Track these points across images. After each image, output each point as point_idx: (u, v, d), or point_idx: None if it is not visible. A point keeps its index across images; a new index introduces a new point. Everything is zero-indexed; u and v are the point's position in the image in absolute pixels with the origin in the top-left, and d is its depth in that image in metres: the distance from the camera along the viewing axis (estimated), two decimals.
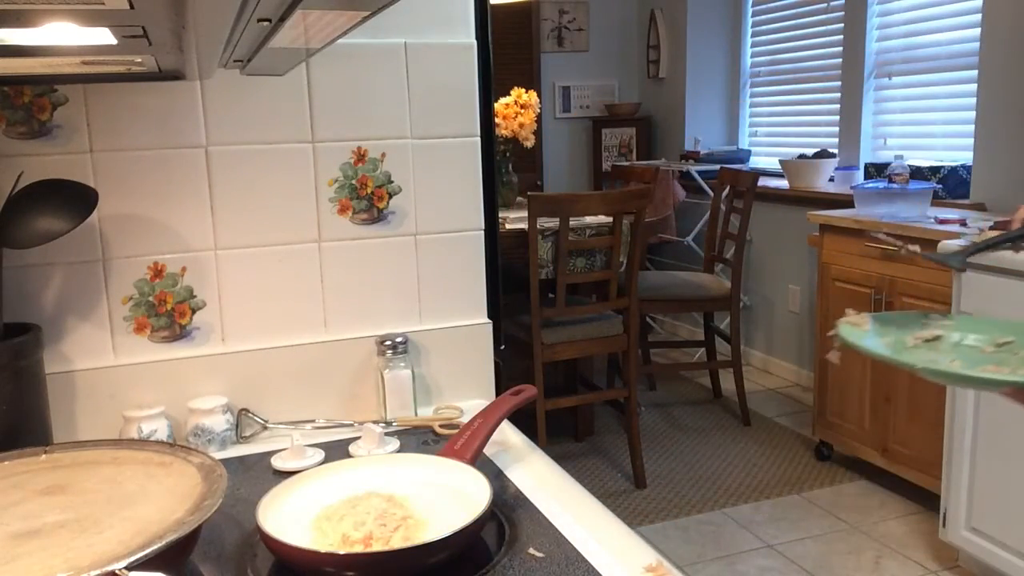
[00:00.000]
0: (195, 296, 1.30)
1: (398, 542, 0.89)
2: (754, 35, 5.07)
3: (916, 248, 1.02)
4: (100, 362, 1.26)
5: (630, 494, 3.26)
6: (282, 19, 0.60)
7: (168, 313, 1.29)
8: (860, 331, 0.92)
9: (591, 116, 5.72)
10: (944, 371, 0.87)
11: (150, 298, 1.28)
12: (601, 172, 5.61)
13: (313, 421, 1.33)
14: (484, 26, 1.42)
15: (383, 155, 1.37)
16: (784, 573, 2.69)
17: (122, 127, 1.23)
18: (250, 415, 1.31)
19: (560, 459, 1.21)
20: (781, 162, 4.21)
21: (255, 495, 0.98)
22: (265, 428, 1.31)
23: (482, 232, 1.45)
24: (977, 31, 3.31)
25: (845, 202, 3.46)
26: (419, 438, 1.28)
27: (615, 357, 3.88)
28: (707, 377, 4.38)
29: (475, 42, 1.40)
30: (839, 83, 4.24)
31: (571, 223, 3.03)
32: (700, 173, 4.69)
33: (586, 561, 0.91)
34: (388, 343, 1.34)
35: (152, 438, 1.21)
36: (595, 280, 3.25)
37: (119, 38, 0.66)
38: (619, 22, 5.72)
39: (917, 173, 3.46)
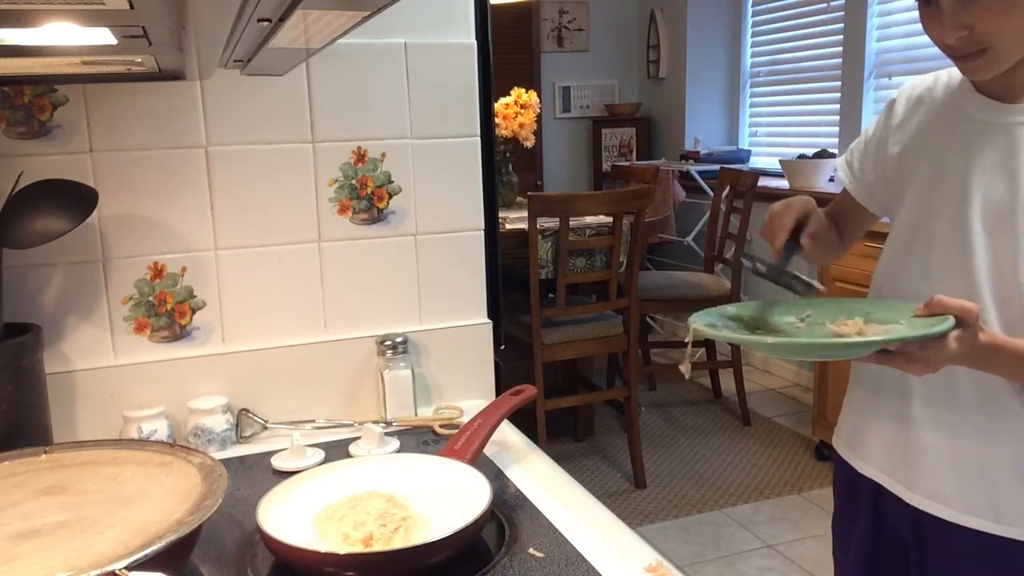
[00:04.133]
0: (195, 296, 1.30)
1: (398, 542, 0.89)
2: (754, 35, 5.07)
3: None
4: (100, 362, 1.26)
5: (630, 494, 3.26)
6: (282, 19, 0.60)
7: (168, 313, 1.29)
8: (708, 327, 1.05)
9: (591, 116, 5.72)
10: (804, 343, 1.05)
11: (150, 298, 1.28)
12: (601, 172, 5.61)
13: (313, 421, 1.33)
14: (484, 26, 1.42)
15: (383, 155, 1.37)
16: (784, 573, 2.69)
17: (122, 127, 1.23)
18: (250, 415, 1.31)
19: (560, 459, 1.21)
20: (781, 162, 4.21)
21: (255, 495, 0.98)
22: (265, 428, 1.31)
23: (482, 232, 1.45)
24: None
25: None
26: (419, 438, 1.28)
27: (615, 357, 3.87)
28: (707, 377, 4.38)
29: (475, 42, 1.40)
30: (839, 83, 4.24)
31: (571, 223, 3.03)
32: (700, 173, 4.69)
33: (586, 561, 0.91)
34: (388, 343, 1.34)
35: (152, 438, 1.21)
36: (595, 280, 3.25)
37: (119, 38, 0.66)
38: (619, 22, 5.72)
39: None
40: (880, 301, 1.10)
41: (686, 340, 1.05)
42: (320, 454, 1.21)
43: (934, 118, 1.13)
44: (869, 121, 4.07)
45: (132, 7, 0.52)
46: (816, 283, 1.09)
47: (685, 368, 1.09)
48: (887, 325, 1.00)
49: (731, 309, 1.12)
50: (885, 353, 0.93)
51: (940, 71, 1.16)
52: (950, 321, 0.91)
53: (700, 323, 1.04)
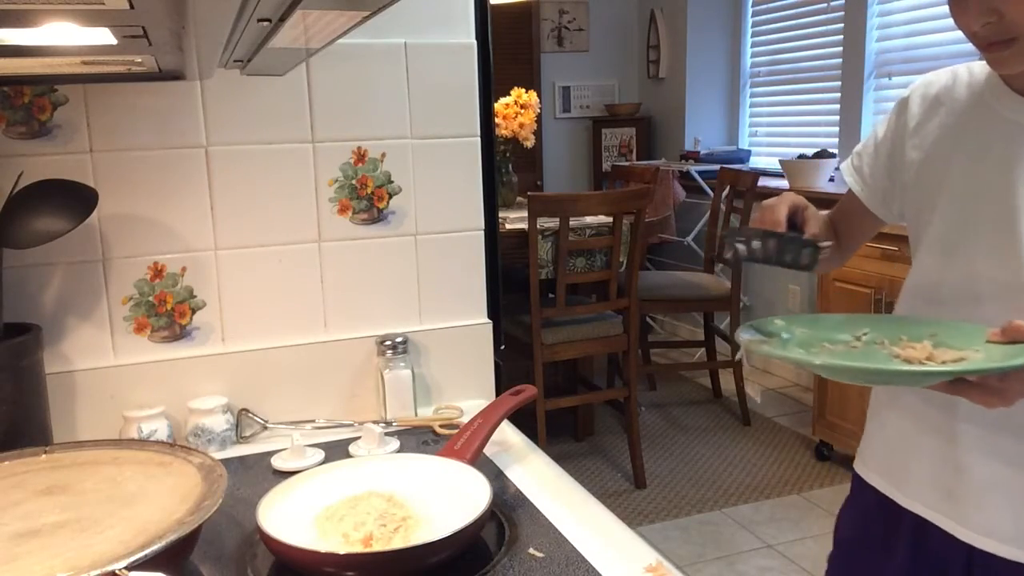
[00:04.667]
0: (195, 296, 1.30)
1: (398, 542, 0.89)
2: (754, 35, 5.07)
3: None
4: (100, 362, 1.26)
5: (630, 494, 3.26)
6: (282, 19, 0.60)
7: (168, 313, 1.29)
8: (761, 343, 0.97)
9: (591, 116, 5.72)
10: (881, 369, 0.93)
11: (150, 298, 1.28)
12: (601, 172, 5.61)
13: (313, 421, 1.33)
14: (484, 26, 1.42)
15: (383, 155, 1.37)
16: (784, 573, 2.69)
17: (122, 127, 1.23)
18: (250, 415, 1.31)
19: (560, 459, 1.21)
20: (781, 162, 4.21)
21: (255, 495, 0.98)
22: (265, 428, 1.31)
23: (482, 232, 1.45)
24: None
25: None
26: (419, 438, 1.28)
27: (615, 357, 3.87)
28: (707, 377, 4.38)
29: (475, 42, 1.40)
30: (839, 83, 4.24)
31: (571, 223, 3.03)
32: (700, 173, 4.69)
33: (586, 561, 0.91)
34: (388, 343, 1.34)
35: (152, 438, 1.21)
36: (595, 280, 3.25)
37: (119, 38, 0.66)
38: (619, 22, 5.72)
39: None
40: (945, 322, 1.00)
41: (738, 357, 0.98)
42: (320, 454, 1.21)
43: (959, 120, 1.05)
44: (874, 122, 4.08)
45: (132, 7, 0.52)
46: (823, 241, 1.00)
47: (754, 391, 1.02)
48: (959, 351, 0.91)
49: (779, 322, 1.03)
50: (959, 382, 0.85)
51: (956, 66, 1.08)
52: None
53: (756, 342, 0.96)
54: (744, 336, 0.98)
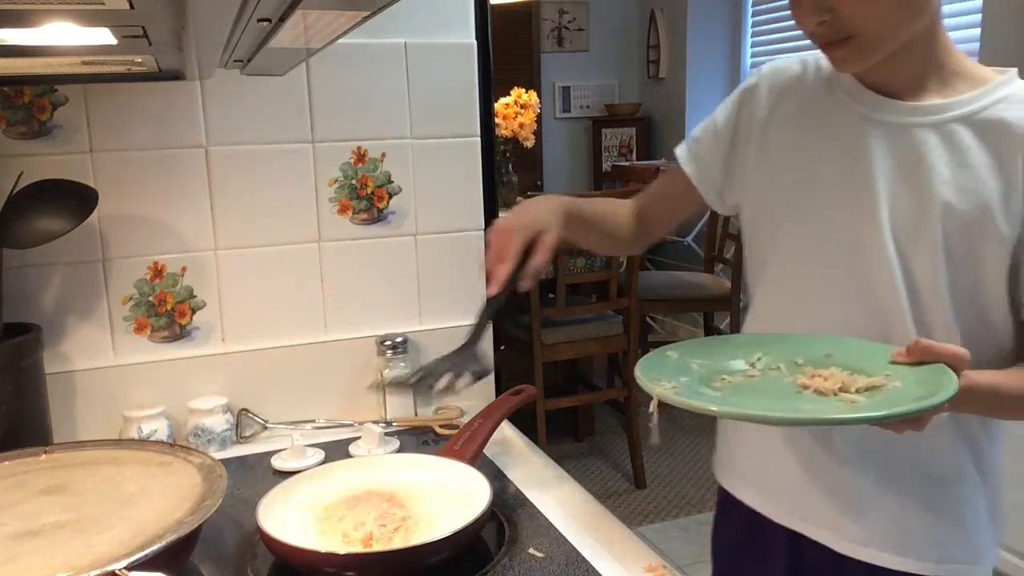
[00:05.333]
0: (195, 296, 1.30)
1: (398, 542, 0.89)
2: (754, 35, 5.07)
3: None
4: (100, 362, 1.26)
5: (630, 494, 3.26)
6: (282, 19, 0.60)
7: (168, 313, 1.29)
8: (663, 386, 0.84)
9: (591, 116, 5.72)
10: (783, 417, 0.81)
11: (150, 298, 1.28)
12: (601, 172, 5.61)
13: (313, 421, 1.33)
14: (484, 26, 1.42)
15: (383, 155, 1.37)
16: None
17: (122, 127, 1.23)
18: (250, 415, 1.31)
19: (560, 459, 1.21)
20: None
21: (255, 495, 0.98)
22: (265, 428, 1.31)
23: (482, 232, 1.45)
24: (977, 31, 3.31)
25: None
26: (419, 438, 1.28)
27: (615, 357, 3.87)
28: None
29: (475, 42, 1.40)
30: None
31: None
32: None
33: (586, 561, 0.91)
34: (388, 343, 1.35)
35: (152, 438, 1.21)
36: (595, 280, 3.25)
37: (119, 38, 0.66)
38: (619, 22, 5.71)
39: None
40: (837, 338, 0.91)
41: (650, 410, 0.83)
42: (320, 454, 1.21)
43: (809, 113, 0.98)
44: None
45: (132, 7, 0.52)
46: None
47: (656, 436, 0.92)
48: (869, 376, 0.82)
49: (674, 354, 0.92)
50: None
51: (806, 56, 1.03)
52: (954, 382, 0.77)
53: (661, 387, 0.82)
54: (640, 378, 0.85)
